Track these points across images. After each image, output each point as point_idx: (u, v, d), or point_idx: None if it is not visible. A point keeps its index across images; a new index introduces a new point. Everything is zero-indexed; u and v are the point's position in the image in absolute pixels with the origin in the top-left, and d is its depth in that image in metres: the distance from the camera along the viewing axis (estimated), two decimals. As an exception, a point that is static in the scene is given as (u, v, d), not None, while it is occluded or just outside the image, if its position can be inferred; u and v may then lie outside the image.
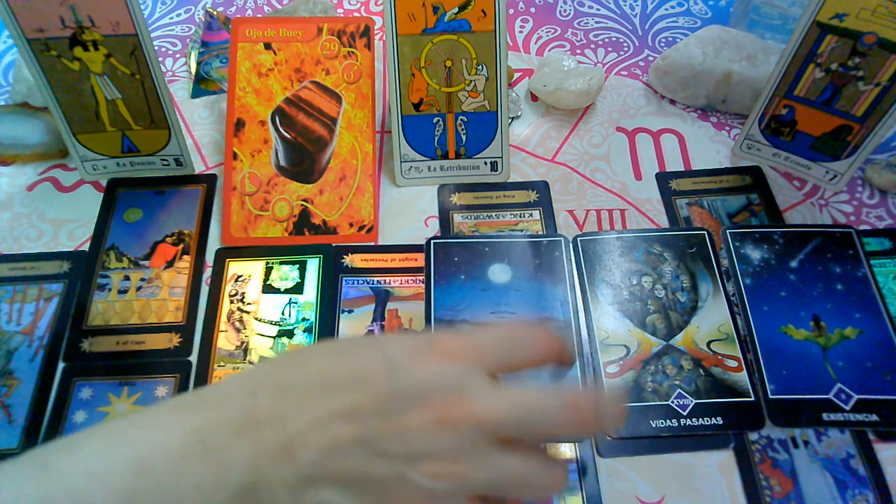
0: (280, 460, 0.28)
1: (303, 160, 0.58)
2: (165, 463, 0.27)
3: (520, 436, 0.32)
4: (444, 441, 0.29)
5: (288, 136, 0.58)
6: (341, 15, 0.75)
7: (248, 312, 0.52)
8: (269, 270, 0.54)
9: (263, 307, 0.52)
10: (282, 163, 0.58)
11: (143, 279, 0.54)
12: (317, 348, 0.37)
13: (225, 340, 0.51)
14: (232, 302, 0.53)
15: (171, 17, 0.76)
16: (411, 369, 0.31)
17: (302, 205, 0.57)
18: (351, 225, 0.57)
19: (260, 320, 0.52)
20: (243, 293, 0.53)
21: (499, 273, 0.53)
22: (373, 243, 0.57)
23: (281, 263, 0.55)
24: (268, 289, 0.53)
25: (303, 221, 0.57)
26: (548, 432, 0.35)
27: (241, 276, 0.54)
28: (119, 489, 0.26)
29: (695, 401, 0.47)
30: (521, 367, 0.34)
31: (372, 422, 0.29)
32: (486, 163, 0.60)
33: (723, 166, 0.61)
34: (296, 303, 0.53)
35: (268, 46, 0.59)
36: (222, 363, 0.50)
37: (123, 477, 0.27)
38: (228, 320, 0.52)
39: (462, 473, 0.29)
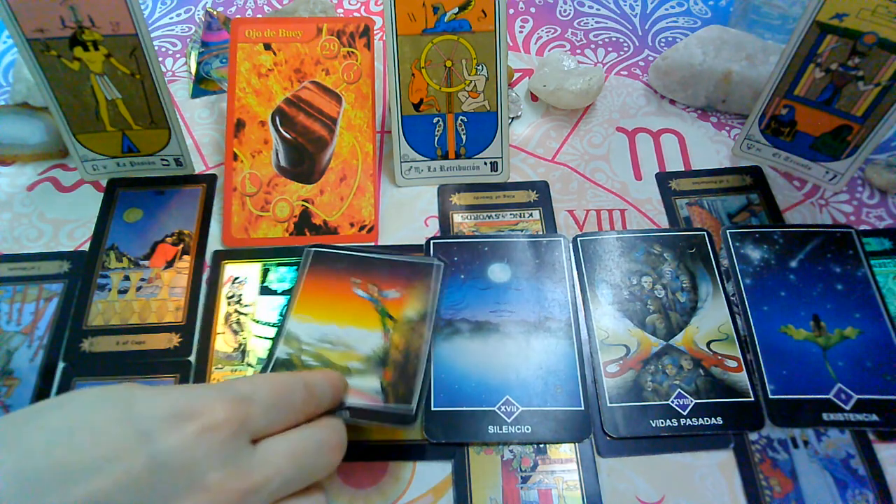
0: None
1: (303, 160, 0.58)
2: None
3: (302, 484, 0.32)
4: None
5: (288, 136, 0.58)
6: (341, 15, 0.75)
7: (245, 314, 0.52)
8: (265, 272, 0.54)
9: (261, 309, 0.52)
10: (282, 163, 0.58)
11: (143, 279, 0.54)
12: (61, 414, 0.29)
13: (223, 342, 0.51)
14: (229, 304, 0.53)
15: (171, 17, 0.76)
16: (167, 442, 0.28)
17: (302, 205, 0.57)
18: (352, 225, 0.57)
19: (258, 322, 0.52)
20: (240, 295, 0.53)
21: (498, 272, 0.53)
22: (373, 243, 0.57)
23: (278, 265, 0.55)
24: (265, 291, 0.53)
25: (303, 222, 0.57)
26: (325, 468, 0.34)
27: (238, 277, 0.54)
28: None
29: (695, 401, 0.47)
30: (287, 428, 0.33)
31: None
32: (486, 163, 0.60)
33: (723, 166, 0.61)
34: (295, 303, 0.53)
35: (267, 47, 0.59)
36: (220, 365, 0.50)
37: None
38: (226, 322, 0.52)
39: None
